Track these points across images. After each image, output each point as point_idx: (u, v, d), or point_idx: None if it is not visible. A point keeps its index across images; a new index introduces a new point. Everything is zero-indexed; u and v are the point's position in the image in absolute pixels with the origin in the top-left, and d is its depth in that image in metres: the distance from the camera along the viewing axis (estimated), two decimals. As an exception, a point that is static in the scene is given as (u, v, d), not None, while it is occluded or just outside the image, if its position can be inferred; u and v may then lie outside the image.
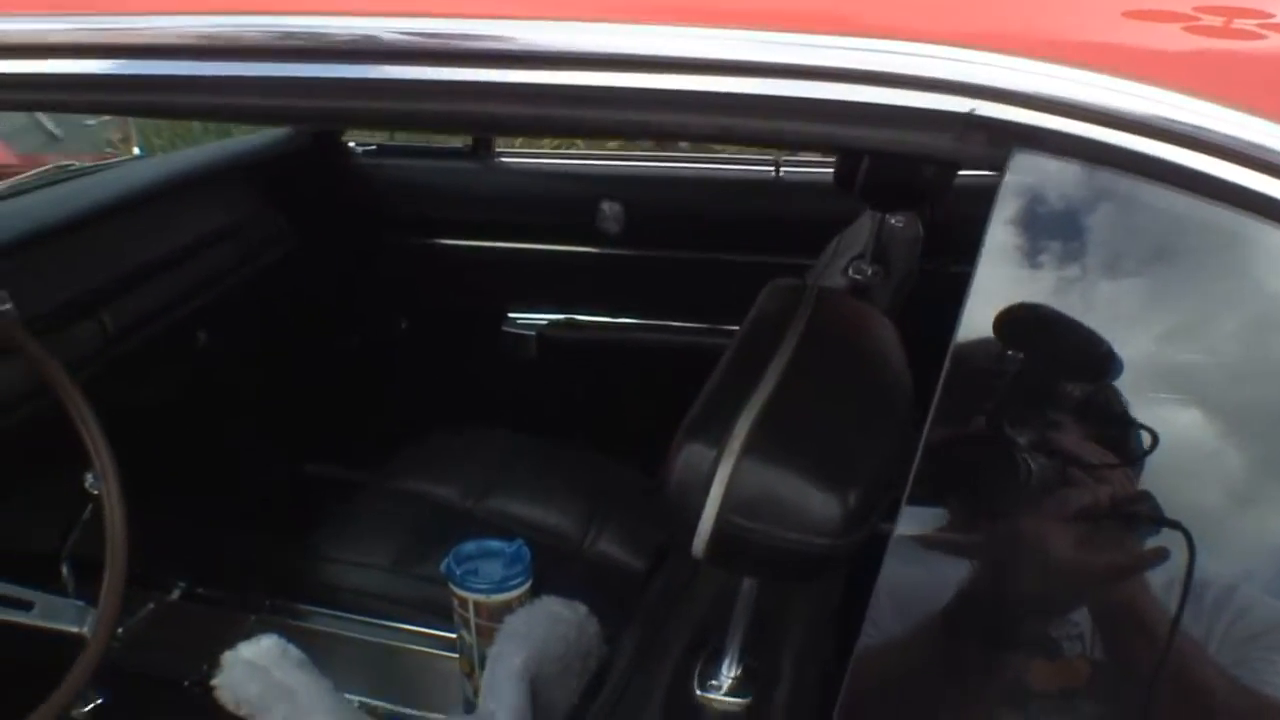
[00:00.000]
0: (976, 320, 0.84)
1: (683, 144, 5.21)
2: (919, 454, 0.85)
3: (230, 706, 1.43)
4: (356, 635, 2.03)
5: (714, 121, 0.88)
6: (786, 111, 0.86)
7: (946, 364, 0.84)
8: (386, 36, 0.92)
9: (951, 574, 0.87)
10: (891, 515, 0.99)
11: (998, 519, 0.87)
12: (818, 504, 0.97)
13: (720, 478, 0.98)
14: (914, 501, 0.86)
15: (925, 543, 0.88)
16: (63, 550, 2.11)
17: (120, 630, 1.79)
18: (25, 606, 1.73)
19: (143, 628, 2.13)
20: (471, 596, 1.79)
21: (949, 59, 0.83)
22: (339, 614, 2.06)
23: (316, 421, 2.76)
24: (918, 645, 0.89)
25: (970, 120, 0.83)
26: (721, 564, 1.05)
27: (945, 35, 0.84)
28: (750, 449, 0.98)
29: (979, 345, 0.85)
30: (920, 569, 0.88)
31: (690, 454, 1.01)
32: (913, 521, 0.87)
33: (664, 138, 1.10)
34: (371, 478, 2.35)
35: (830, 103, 0.85)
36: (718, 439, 0.99)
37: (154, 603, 2.20)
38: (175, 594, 2.24)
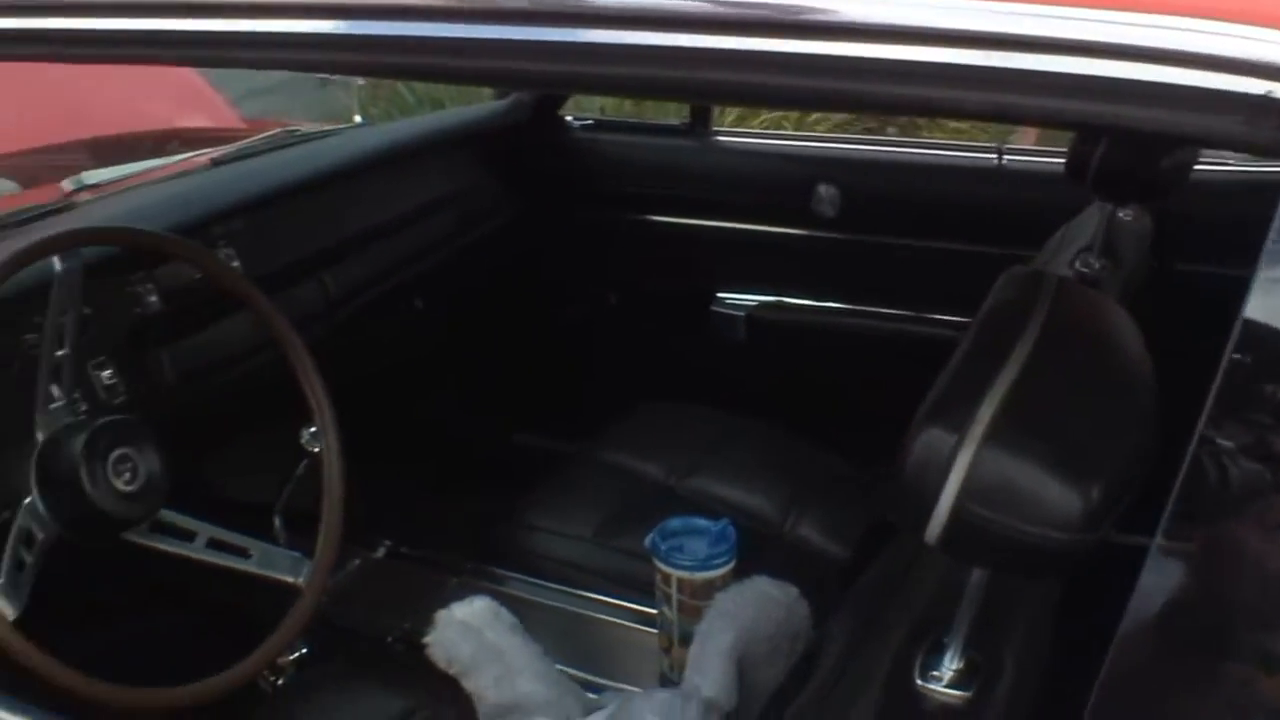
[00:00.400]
0: (1258, 322, 0.80)
1: (891, 129, 5.14)
2: (1187, 461, 0.81)
3: (441, 664, 1.45)
4: (555, 604, 2.04)
5: (991, 99, 0.85)
6: (1068, 90, 0.82)
7: (1223, 367, 0.80)
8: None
9: (1217, 588, 0.83)
10: (1126, 523, 0.96)
11: (1272, 531, 0.83)
12: (1058, 497, 0.94)
13: (960, 464, 0.95)
14: (1179, 509, 0.82)
15: (1190, 554, 0.84)
16: (277, 503, 2.17)
17: (328, 584, 1.83)
18: (244, 554, 1.78)
19: (348, 583, 2.18)
20: (675, 573, 1.78)
21: (1245, 38, 0.78)
22: (539, 582, 2.08)
23: (525, 392, 2.80)
24: (1175, 659, 0.85)
25: (1266, 103, 0.78)
26: (954, 552, 1.02)
27: (1242, 13, 0.79)
28: (992, 437, 0.96)
29: (1261, 349, 0.80)
30: (1183, 580, 0.84)
31: (930, 438, 0.99)
32: (1177, 531, 0.83)
33: (936, 115, 1.06)
34: (578, 450, 2.36)
35: (1118, 81, 0.81)
36: (959, 425, 0.97)
37: (360, 559, 2.25)
38: (381, 552, 2.29)
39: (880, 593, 1.31)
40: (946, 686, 1.07)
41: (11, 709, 1.10)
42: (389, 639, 2.01)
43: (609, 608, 2.03)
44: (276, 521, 2.13)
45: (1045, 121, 0.91)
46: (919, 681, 1.07)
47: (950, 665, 1.08)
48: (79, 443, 1.61)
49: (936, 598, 1.16)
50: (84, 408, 1.75)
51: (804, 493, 2.22)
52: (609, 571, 2.07)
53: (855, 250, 2.59)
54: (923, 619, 1.15)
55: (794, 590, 1.45)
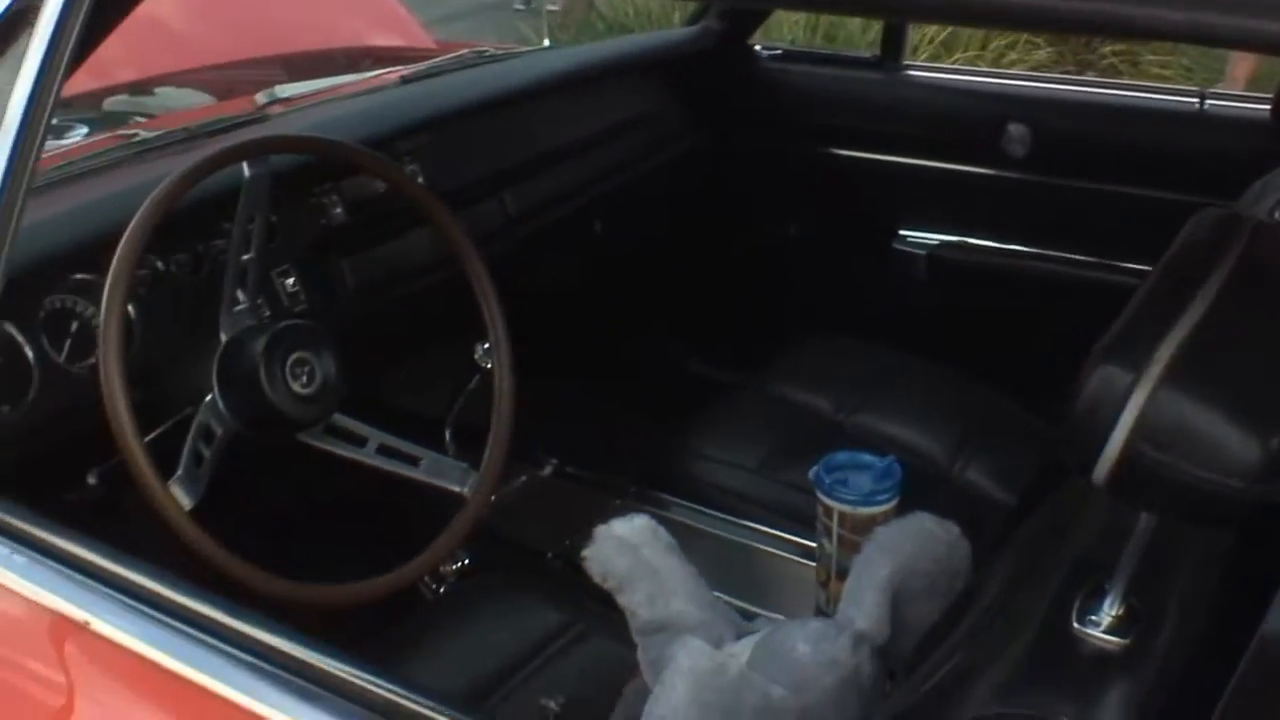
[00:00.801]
0: None
1: (1090, 74, 4.96)
2: None
3: (596, 578, 1.46)
4: (715, 531, 2.05)
5: (1194, 18, 0.80)
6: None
7: None
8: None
9: None
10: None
11: None
12: (1236, 444, 0.90)
13: (1134, 403, 0.92)
14: None
15: None
16: (447, 417, 2.21)
17: (493, 497, 1.87)
18: (413, 461, 1.82)
19: (513, 498, 2.22)
20: (837, 506, 1.77)
21: None
22: (701, 508, 2.09)
23: (701, 320, 2.79)
24: None
25: None
26: (1122, 494, 0.99)
27: None
28: (1170, 377, 0.92)
29: None
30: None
31: (1105, 375, 0.95)
32: None
33: (1133, 36, 1.00)
34: (749, 380, 2.35)
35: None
36: (1136, 363, 0.93)
37: (526, 476, 2.28)
38: (547, 470, 2.32)
39: (1044, 537, 1.28)
40: (1104, 632, 1.04)
41: (179, 591, 1.15)
42: (549, 555, 2.05)
43: (768, 538, 2.03)
44: (446, 434, 2.17)
45: (1252, 46, 0.85)
46: (1076, 625, 1.04)
47: (1109, 611, 1.04)
48: (260, 344, 1.67)
49: (1100, 542, 1.12)
50: (266, 313, 1.81)
51: (975, 436, 2.18)
52: (771, 502, 2.06)
53: (1044, 192, 2.52)
54: (1084, 562, 1.12)
55: (956, 529, 1.42)
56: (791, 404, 2.26)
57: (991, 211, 2.60)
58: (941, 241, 2.65)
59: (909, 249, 2.67)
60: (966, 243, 2.63)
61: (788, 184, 2.83)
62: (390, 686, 1.05)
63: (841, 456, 1.83)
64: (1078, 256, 2.51)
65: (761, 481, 2.09)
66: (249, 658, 1.08)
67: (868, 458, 1.82)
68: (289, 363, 1.67)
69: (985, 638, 1.14)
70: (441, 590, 2.02)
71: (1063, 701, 0.99)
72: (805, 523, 1.90)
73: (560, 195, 2.39)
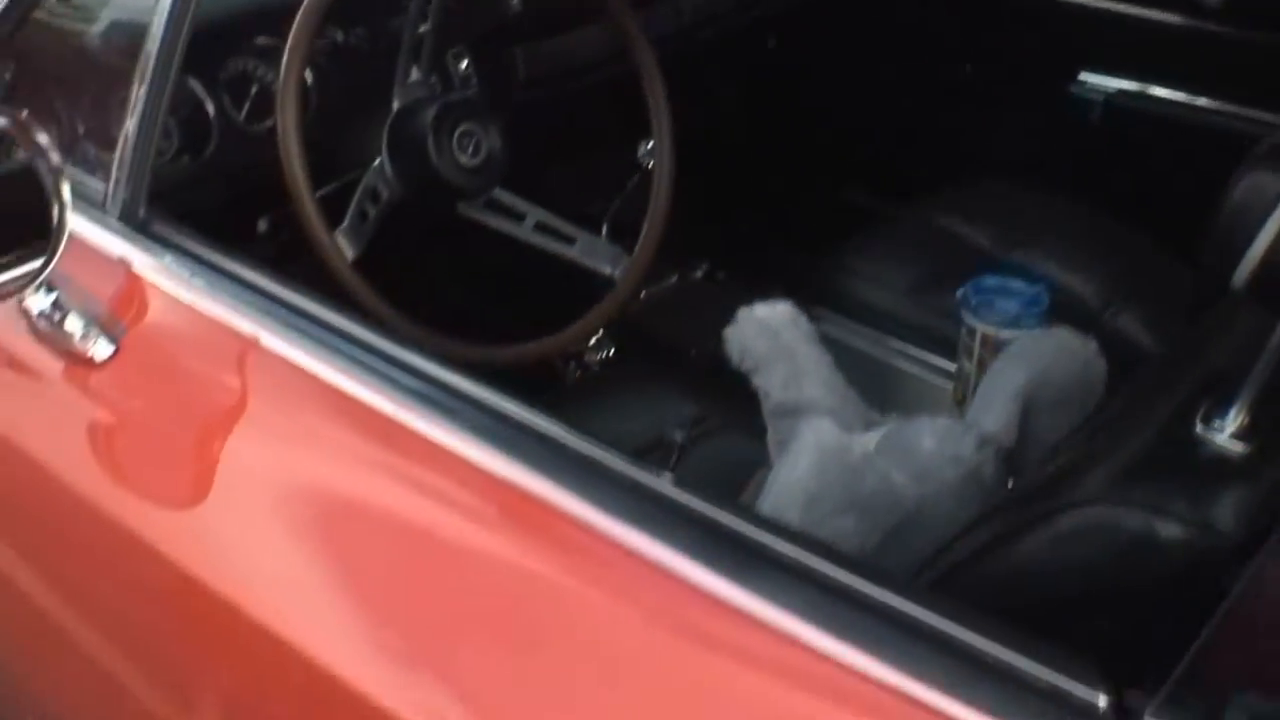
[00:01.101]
0: None
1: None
2: None
3: (734, 357, 1.51)
4: (858, 345, 2.07)
5: None
6: None
7: None
8: None
9: None
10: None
11: None
12: None
13: None
14: None
15: None
16: (607, 211, 2.25)
17: (642, 294, 1.91)
18: (569, 241, 1.87)
19: (663, 296, 2.26)
20: (981, 327, 1.78)
21: None
22: (847, 321, 2.10)
23: (868, 150, 2.77)
24: None
25: None
26: (1262, 299, 1.00)
27: None
28: None
29: None
30: None
31: (1254, 180, 0.96)
32: None
33: None
34: (910, 212, 2.35)
35: None
36: None
37: (677, 277, 2.32)
38: (698, 273, 2.36)
39: (1177, 354, 1.29)
40: (1227, 438, 1.04)
41: (339, 313, 1.22)
42: (692, 352, 2.09)
43: (910, 358, 2.05)
44: (604, 228, 2.22)
45: None
46: (1199, 428, 1.05)
47: (1235, 418, 1.05)
48: (430, 113, 1.73)
49: (1234, 356, 1.13)
50: (439, 90, 1.86)
51: (1130, 285, 2.14)
52: (916, 324, 2.07)
53: (1236, 45, 2.43)
54: (1215, 373, 1.12)
55: (1094, 344, 1.43)
56: (949, 235, 2.24)
57: (1178, 61, 2.52)
58: (1120, 89, 2.59)
59: (1086, 94, 2.61)
60: (1147, 92, 2.56)
61: (967, 19, 2.77)
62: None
63: (991, 280, 1.83)
64: (1268, 118, 2.43)
65: (909, 302, 2.09)
66: (403, 376, 1.14)
67: (1017, 284, 1.83)
68: (457, 133, 1.73)
69: (1105, 435, 1.16)
70: (582, 375, 2.08)
71: (1176, 498, 1.01)
72: (949, 348, 1.91)
73: (739, 5, 2.38)
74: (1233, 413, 1.06)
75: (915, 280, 2.12)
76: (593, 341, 2.09)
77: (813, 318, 2.09)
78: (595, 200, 2.25)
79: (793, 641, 0.86)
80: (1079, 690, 0.79)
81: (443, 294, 2.03)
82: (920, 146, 2.76)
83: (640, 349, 2.11)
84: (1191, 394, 1.10)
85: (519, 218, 1.84)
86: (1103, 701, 0.78)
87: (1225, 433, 1.05)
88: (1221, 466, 1.04)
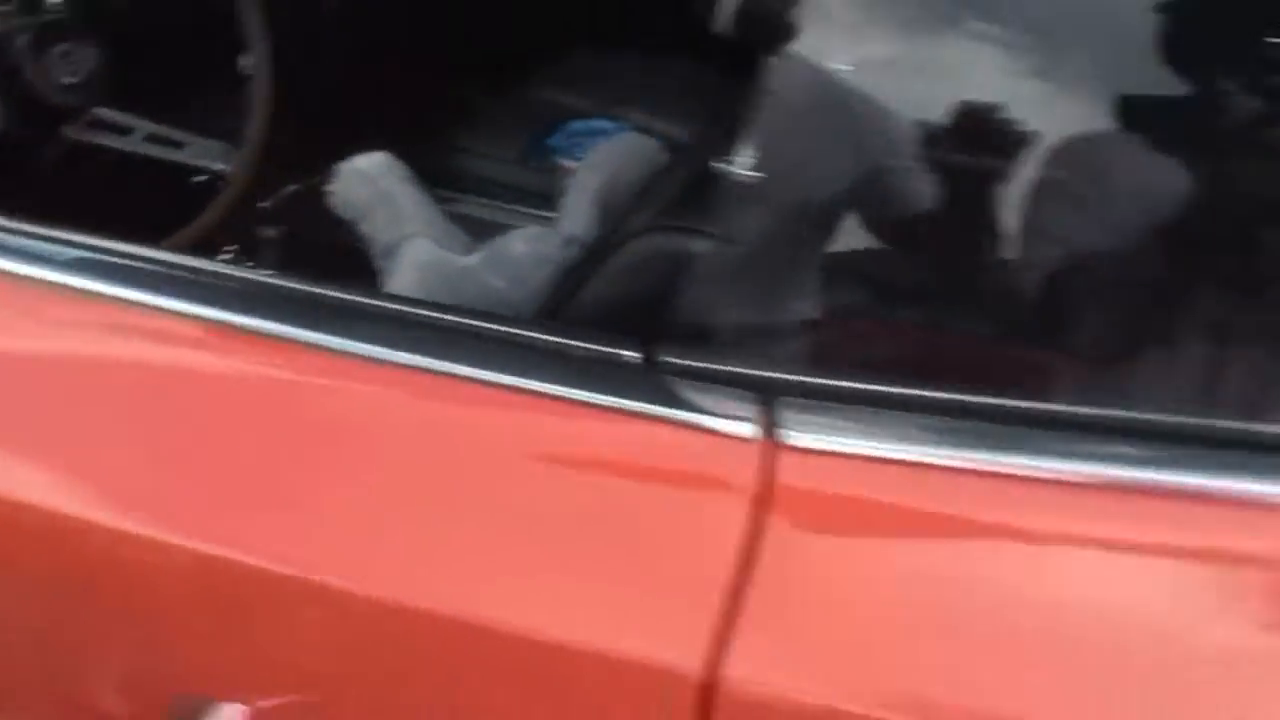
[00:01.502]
0: None
1: None
2: None
3: (339, 211, 1.60)
4: (479, 214, 2.17)
5: None
6: None
7: None
8: None
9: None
10: None
11: None
12: None
13: None
14: None
15: None
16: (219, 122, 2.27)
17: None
18: (179, 146, 1.92)
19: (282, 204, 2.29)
20: (572, 165, 1.92)
21: None
22: (467, 197, 2.22)
23: (469, 43, 2.80)
24: None
25: None
26: (743, 40, 1.15)
27: None
28: None
29: None
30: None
31: None
32: None
33: None
34: (509, 90, 2.45)
35: None
36: None
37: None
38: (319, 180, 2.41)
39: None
40: (740, 169, 1.22)
41: None
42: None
43: (526, 216, 2.15)
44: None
45: None
46: (720, 166, 1.21)
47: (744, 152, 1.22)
48: (24, 39, 1.75)
49: (745, 103, 1.29)
50: (29, 10, 1.86)
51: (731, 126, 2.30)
52: (535, 188, 2.15)
53: None
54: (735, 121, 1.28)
55: (656, 143, 1.59)
56: (552, 104, 2.37)
57: None
58: None
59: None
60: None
61: None
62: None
63: (579, 125, 1.97)
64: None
65: (522, 171, 2.21)
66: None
67: (604, 124, 1.97)
68: (54, 54, 1.76)
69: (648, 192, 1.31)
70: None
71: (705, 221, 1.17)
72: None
73: None
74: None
75: (524, 148, 2.24)
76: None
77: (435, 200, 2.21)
78: (206, 111, 2.27)
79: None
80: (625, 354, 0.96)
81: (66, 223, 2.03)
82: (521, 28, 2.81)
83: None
84: (713, 140, 1.26)
85: (126, 132, 1.88)
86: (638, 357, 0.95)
87: (738, 165, 1.21)
88: (738, 191, 1.20)
